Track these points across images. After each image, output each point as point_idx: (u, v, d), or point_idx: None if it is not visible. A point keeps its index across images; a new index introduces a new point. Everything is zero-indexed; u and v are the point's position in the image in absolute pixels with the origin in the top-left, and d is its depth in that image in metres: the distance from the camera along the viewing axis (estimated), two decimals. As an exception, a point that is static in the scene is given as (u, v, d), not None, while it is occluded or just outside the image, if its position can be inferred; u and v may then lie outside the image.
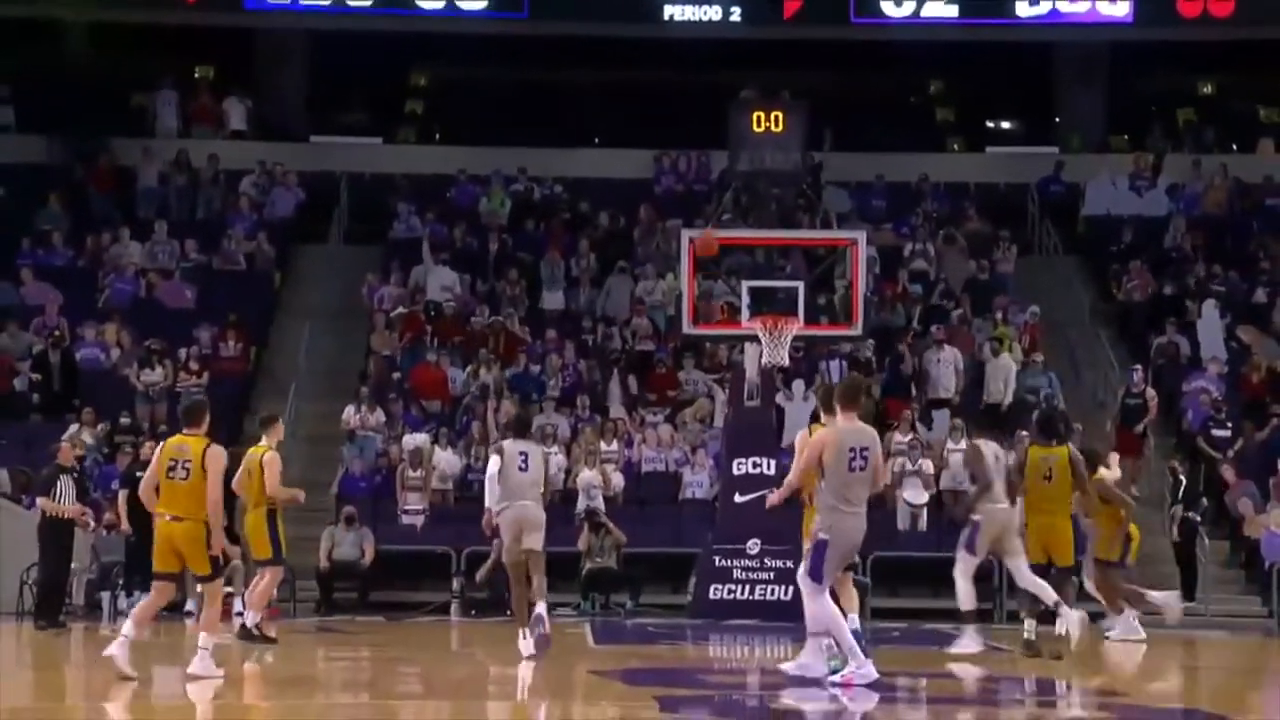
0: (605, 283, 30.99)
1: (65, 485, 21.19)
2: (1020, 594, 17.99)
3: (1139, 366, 28.25)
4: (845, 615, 14.49)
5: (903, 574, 24.88)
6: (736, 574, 23.31)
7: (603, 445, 26.65)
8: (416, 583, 25.49)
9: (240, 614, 20.88)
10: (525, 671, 15.70)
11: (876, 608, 23.64)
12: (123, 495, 22.64)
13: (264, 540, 18.42)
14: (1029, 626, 17.21)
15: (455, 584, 24.88)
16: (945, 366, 28.18)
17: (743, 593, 23.25)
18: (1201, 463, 27.22)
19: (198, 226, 32.55)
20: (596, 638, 20.17)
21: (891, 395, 28.13)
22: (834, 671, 14.30)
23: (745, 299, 23.79)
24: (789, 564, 20.63)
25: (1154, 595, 20.41)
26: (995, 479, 17.23)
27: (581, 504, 25.64)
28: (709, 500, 26.01)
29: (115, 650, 13.87)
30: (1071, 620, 16.93)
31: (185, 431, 14.56)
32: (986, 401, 27.60)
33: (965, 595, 17.44)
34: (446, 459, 26.56)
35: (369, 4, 34.79)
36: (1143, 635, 19.51)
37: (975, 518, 17.39)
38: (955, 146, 38.13)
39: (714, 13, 34.56)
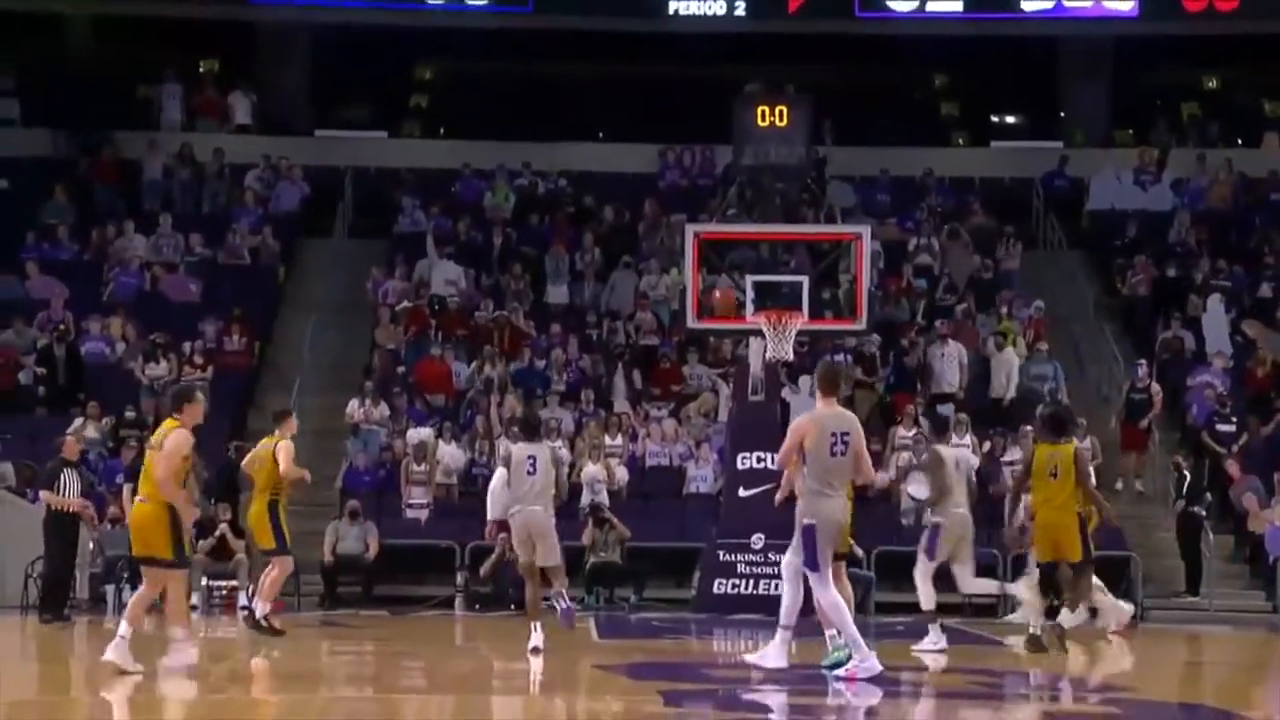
0: (610, 277, 30.99)
1: (70, 479, 21.21)
2: (1019, 594, 18.04)
3: (1143, 361, 28.25)
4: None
5: (907, 568, 24.63)
6: (740, 568, 23.33)
7: (607, 440, 26.64)
8: (421, 577, 25.49)
9: (245, 607, 20.92)
10: (530, 666, 15.70)
11: (881, 602, 23.65)
12: (127, 489, 22.45)
13: (267, 530, 18.48)
14: (1034, 622, 17.20)
15: (459, 578, 24.90)
16: (949, 361, 28.17)
17: (747, 587, 23.27)
18: (1206, 458, 27.20)
19: (202, 220, 32.55)
20: (601, 632, 20.12)
21: (896, 390, 28.16)
22: (837, 665, 14.30)
23: (750, 294, 23.78)
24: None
25: (1108, 601, 20.09)
26: (955, 485, 17.28)
27: (586, 498, 25.66)
28: (713, 495, 26.02)
29: (113, 655, 13.78)
30: (1106, 608, 16.96)
31: (173, 417, 14.52)
32: (990, 396, 27.59)
33: (926, 596, 17.53)
34: (451, 453, 26.57)
35: (374, -3, 34.89)
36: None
37: (936, 520, 17.45)
38: (960, 141, 38.13)
39: (718, 7, 34.57)
